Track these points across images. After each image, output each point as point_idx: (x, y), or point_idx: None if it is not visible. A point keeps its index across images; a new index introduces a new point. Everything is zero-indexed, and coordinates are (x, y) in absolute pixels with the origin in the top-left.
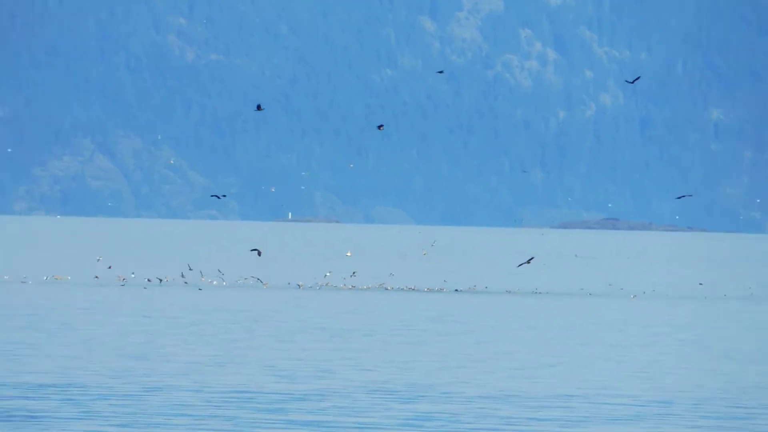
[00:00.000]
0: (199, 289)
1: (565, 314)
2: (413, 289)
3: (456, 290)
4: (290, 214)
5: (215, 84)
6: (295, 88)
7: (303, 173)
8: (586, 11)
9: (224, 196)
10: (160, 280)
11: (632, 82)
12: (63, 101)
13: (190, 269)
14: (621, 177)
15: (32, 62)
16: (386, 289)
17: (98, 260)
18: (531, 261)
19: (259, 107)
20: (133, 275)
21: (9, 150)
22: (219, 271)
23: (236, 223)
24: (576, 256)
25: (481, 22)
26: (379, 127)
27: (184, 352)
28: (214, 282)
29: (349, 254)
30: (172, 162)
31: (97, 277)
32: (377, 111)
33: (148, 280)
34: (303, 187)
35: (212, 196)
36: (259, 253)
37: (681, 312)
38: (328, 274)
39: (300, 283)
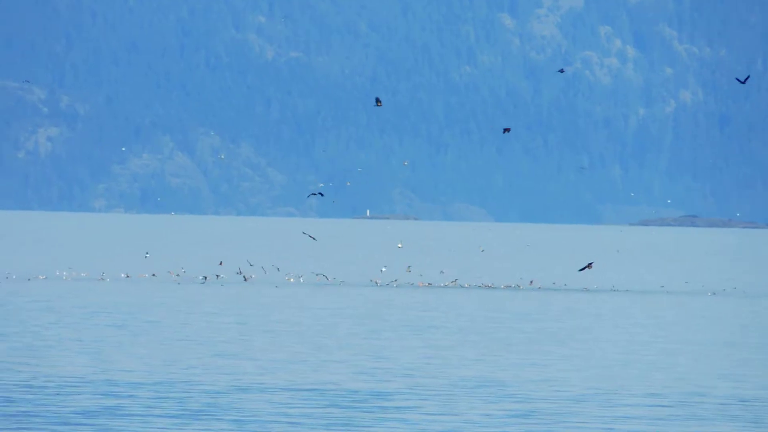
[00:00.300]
0: (276, 287)
1: (648, 311)
2: (490, 287)
3: (539, 287)
4: (368, 211)
5: (295, 82)
6: (375, 86)
7: (405, 162)
8: (666, 8)
9: (321, 194)
10: (245, 278)
11: (743, 82)
12: (143, 99)
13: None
14: (701, 174)
15: (113, 60)
16: (463, 286)
17: (146, 256)
18: (591, 266)
19: (378, 101)
20: (217, 274)
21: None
22: (318, 273)
23: (315, 221)
24: (617, 251)
25: (560, 19)
26: (377, 101)
27: (275, 349)
28: (291, 279)
29: (400, 246)
30: (222, 157)
31: (178, 274)
32: (457, 108)
33: (214, 276)
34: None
35: (311, 194)
36: (313, 238)
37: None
38: (383, 269)
39: (376, 280)
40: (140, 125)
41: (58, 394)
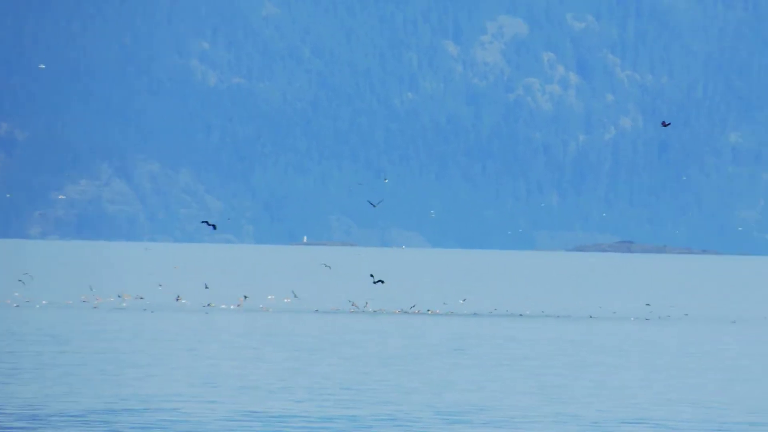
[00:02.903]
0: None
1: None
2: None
3: (474, 314)
4: (305, 237)
5: (236, 108)
6: (316, 112)
7: (385, 180)
8: (610, 35)
9: (214, 227)
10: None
11: (666, 125)
12: (83, 125)
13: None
14: (637, 200)
15: (54, 86)
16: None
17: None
18: (379, 281)
19: (213, 226)
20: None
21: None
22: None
23: (252, 247)
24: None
25: (504, 46)
26: (374, 205)
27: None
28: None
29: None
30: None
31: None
32: (397, 134)
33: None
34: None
35: (203, 222)
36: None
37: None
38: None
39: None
40: (79, 151)
41: None
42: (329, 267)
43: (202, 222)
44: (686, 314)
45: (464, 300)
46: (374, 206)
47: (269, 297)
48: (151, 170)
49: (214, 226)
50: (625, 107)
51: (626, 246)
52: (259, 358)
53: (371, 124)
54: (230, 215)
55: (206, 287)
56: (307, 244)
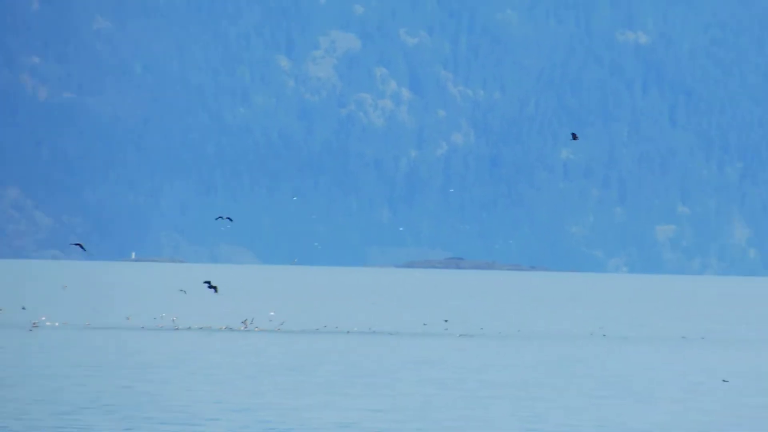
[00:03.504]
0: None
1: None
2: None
3: (302, 330)
4: (134, 254)
5: (66, 123)
6: (147, 127)
7: (294, 198)
8: (442, 50)
9: (229, 218)
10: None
11: (574, 138)
12: None
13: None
14: (468, 216)
15: None
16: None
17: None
18: (212, 288)
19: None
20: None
21: None
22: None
23: (81, 263)
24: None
25: (337, 61)
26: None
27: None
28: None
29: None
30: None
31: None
32: (228, 149)
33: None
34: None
35: (218, 218)
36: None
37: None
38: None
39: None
40: None
41: None
42: (185, 292)
43: (217, 218)
44: (481, 329)
45: (272, 316)
46: (230, 220)
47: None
48: None
49: (230, 219)
50: (457, 123)
51: (456, 262)
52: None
53: (203, 140)
54: (59, 231)
55: (23, 308)
56: (135, 260)
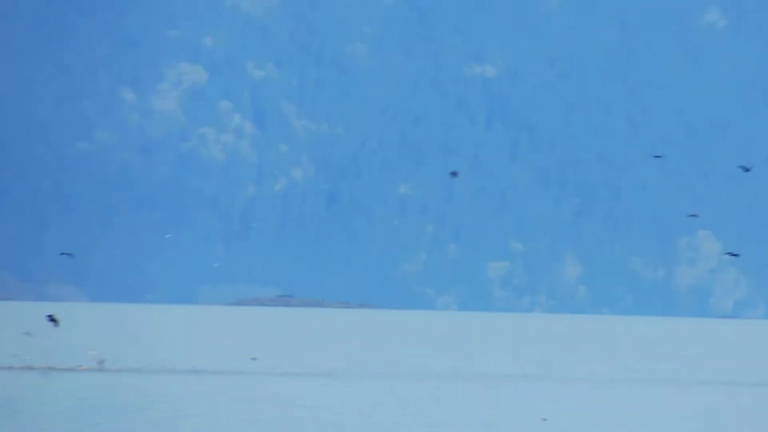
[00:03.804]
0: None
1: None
2: None
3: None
4: None
5: None
6: None
7: (167, 235)
8: (289, 84)
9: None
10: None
11: (455, 175)
12: None
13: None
14: (302, 253)
15: None
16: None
17: None
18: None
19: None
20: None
21: None
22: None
23: None
24: None
25: (181, 94)
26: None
27: None
28: None
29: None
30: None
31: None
32: (67, 185)
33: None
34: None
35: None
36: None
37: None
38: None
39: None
40: None
41: None
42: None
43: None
44: (295, 368)
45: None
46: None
47: None
48: None
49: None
50: (297, 157)
51: (285, 300)
52: None
53: (40, 175)
54: None
55: None
56: None
